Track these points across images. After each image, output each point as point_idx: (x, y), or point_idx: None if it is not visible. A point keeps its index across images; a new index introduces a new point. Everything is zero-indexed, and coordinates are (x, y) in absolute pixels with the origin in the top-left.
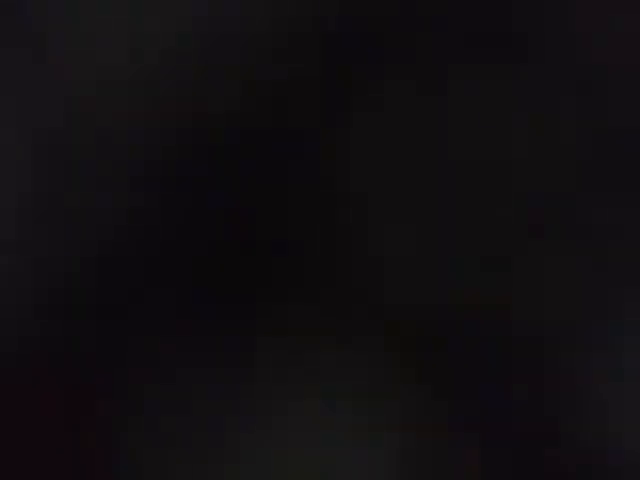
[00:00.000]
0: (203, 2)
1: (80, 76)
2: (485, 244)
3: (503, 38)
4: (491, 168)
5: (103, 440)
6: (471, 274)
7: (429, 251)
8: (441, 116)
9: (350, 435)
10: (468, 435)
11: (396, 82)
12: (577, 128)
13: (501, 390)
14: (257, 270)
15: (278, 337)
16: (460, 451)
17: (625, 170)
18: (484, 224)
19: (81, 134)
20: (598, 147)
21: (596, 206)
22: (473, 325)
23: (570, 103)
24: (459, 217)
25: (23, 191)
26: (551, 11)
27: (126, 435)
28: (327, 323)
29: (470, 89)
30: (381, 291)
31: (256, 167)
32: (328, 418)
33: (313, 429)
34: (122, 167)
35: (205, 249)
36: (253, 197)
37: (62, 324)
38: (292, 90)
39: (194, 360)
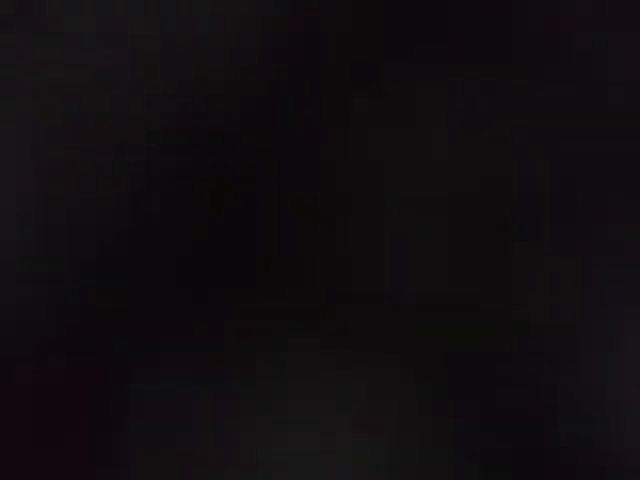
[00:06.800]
0: (205, 2)
1: (79, 75)
2: (485, 244)
3: (504, 42)
4: (490, 168)
5: (102, 440)
6: (471, 274)
7: (428, 251)
8: (440, 116)
9: (349, 435)
10: (467, 435)
11: (396, 83)
12: (577, 127)
13: (501, 390)
14: (257, 271)
15: (278, 337)
16: (460, 451)
17: (625, 169)
18: (484, 224)
19: (80, 133)
20: (597, 146)
21: (596, 206)
22: (473, 325)
23: (569, 105)
24: (458, 217)
25: (23, 191)
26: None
27: (125, 435)
28: (327, 323)
29: (469, 89)
30: (381, 291)
31: (255, 167)
32: (328, 418)
33: (313, 429)
34: (123, 168)
35: (204, 249)
36: (253, 198)
37: (62, 323)
38: (291, 89)
39: (194, 361)
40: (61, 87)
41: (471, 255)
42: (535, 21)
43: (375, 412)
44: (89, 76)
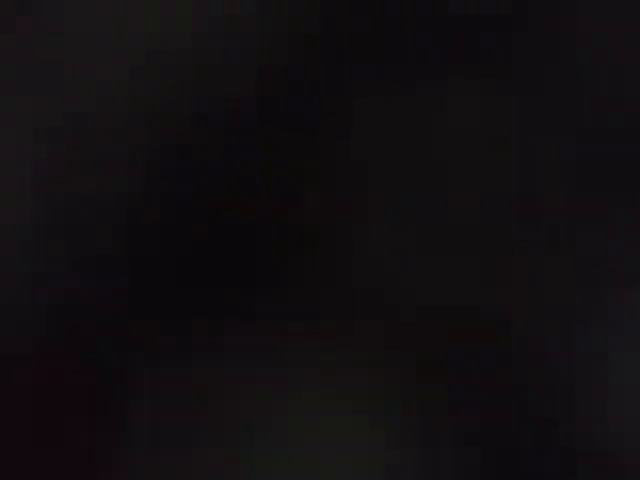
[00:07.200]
0: (205, 2)
1: (78, 75)
2: (484, 244)
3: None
4: (489, 169)
5: (102, 440)
6: (470, 274)
7: (428, 251)
8: (440, 116)
9: (349, 434)
10: (467, 435)
11: (396, 82)
12: (577, 127)
13: (501, 390)
14: (257, 271)
15: (277, 337)
16: (460, 451)
17: (623, 170)
18: (483, 225)
19: (80, 133)
20: (598, 148)
21: (595, 206)
22: (473, 326)
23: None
24: (458, 217)
25: (23, 190)
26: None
27: (125, 435)
28: (327, 323)
29: (468, 89)
30: (381, 291)
31: (255, 167)
32: (327, 418)
33: (313, 429)
34: (123, 168)
35: (204, 249)
36: (253, 198)
37: (64, 324)
38: (291, 89)
39: (194, 361)
40: (61, 87)
41: (471, 255)
42: (535, 21)
43: (375, 412)
44: (89, 76)
